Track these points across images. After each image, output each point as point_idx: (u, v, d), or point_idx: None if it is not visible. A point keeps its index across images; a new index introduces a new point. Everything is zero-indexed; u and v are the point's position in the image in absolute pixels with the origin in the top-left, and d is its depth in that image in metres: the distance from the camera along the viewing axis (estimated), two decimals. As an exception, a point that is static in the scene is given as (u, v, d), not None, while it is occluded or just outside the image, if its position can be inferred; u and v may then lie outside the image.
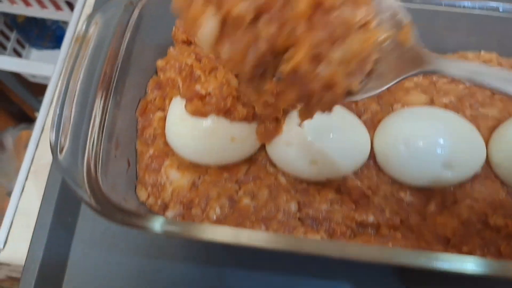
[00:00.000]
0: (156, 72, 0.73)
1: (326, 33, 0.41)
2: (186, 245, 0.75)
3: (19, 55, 1.75)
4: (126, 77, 0.67)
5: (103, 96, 0.62)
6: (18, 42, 1.75)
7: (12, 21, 1.70)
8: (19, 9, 1.52)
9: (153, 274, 0.74)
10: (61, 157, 0.58)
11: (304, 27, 0.40)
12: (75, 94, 0.61)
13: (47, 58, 1.75)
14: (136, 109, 0.72)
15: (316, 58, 0.41)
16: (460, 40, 0.75)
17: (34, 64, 1.58)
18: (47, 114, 0.85)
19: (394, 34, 0.47)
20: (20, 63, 1.57)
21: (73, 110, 0.60)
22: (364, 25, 0.43)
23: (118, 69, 0.64)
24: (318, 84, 0.43)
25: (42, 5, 1.48)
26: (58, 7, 1.47)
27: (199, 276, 0.73)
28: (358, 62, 0.44)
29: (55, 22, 1.73)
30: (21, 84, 1.73)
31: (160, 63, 0.68)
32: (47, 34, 1.77)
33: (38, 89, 1.65)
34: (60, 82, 0.61)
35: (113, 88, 0.63)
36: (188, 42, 0.70)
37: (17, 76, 1.70)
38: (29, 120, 1.78)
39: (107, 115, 0.62)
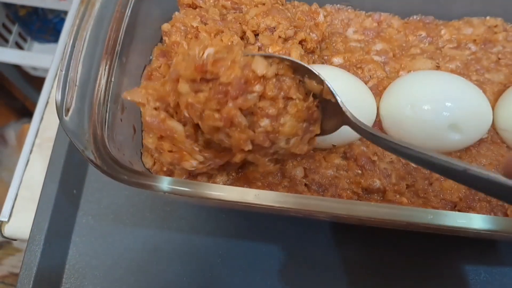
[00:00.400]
0: (161, 40, 0.73)
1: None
2: (190, 217, 0.75)
3: (21, 48, 1.75)
4: (131, 42, 0.67)
5: (109, 58, 0.62)
6: (20, 35, 1.75)
7: (14, 14, 1.70)
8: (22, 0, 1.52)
9: (158, 246, 0.73)
10: (67, 118, 0.58)
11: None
12: (81, 55, 0.61)
13: (48, 51, 1.74)
14: (141, 75, 0.71)
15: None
16: (465, 6, 0.76)
17: (35, 56, 1.59)
18: (52, 87, 0.85)
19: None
20: (21, 55, 1.57)
21: (79, 71, 0.60)
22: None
23: (124, 31, 0.64)
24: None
25: (43, -6, 1.49)
26: (60, -3, 1.47)
27: (203, 246, 0.73)
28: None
29: (57, 15, 1.73)
30: (23, 79, 1.73)
31: (165, 26, 0.67)
32: (48, 27, 1.76)
33: (40, 83, 1.65)
34: (66, 42, 0.61)
35: (119, 50, 0.63)
36: (194, 6, 0.70)
37: (19, 70, 1.70)
38: (31, 115, 1.77)
39: (112, 77, 0.62)
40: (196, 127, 0.58)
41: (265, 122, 0.55)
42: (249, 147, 0.55)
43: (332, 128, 0.59)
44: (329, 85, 0.55)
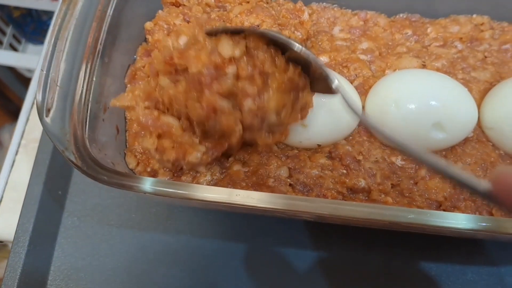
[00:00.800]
0: (145, 39, 0.73)
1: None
2: (176, 217, 0.74)
3: (15, 50, 1.75)
4: (115, 42, 0.66)
5: (91, 58, 0.62)
6: (14, 37, 1.74)
7: (7, 16, 1.69)
8: (15, 1, 1.51)
9: (145, 247, 0.73)
10: (48, 118, 0.58)
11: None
12: (62, 55, 0.60)
13: (43, 52, 1.74)
14: (125, 75, 0.71)
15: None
16: (452, 4, 0.75)
17: (29, 57, 1.58)
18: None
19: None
20: (16, 57, 1.57)
21: (61, 71, 0.60)
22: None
23: (106, 31, 0.64)
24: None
25: (37, -4, 1.48)
26: (53, -3, 1.47)
27: (190, 247, 0.73)
28: None
29: (51, 17, 1.73)
30: (17, 81, 1.73)
31: (148, 25, 0.67)
32: (42, 29, 1.76)
33: (34, 85, 1.65)
34: (47, 41, 0.60)
35: (101, 50, 0.63)
36: (177, 4, 0.69)
37: (13, 72, 1.70)
38: (26, 116, 1.77)
39: (94, 77, 0.62)
40: (191, 118, 0.57)
41: (248, 102, 0.55)
42: (240, 128, 0.55)
43: (323, 91, 0.59)
44: (305, 54, 0.55)
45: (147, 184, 0.54)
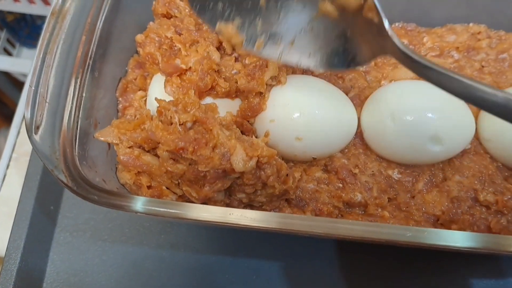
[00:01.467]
0: (137, 51, 0.72)
1: None
2: (169, 232, 0.73)
3: (9, 54, 1.73)
4: (105, 54, 0.65)
5: (81, 72, 0.60)
6: (9, 41, 1.73)
7: (1, 20, 1.68)
8: (7, 6, 1.49)
9: (138, 262, 0.72)
10: (36, 136, 0.57)
11: None
12: (51, 69, 0.59)
13: (37, 57, 1.73)
14: (117, 88, 0.70)
15: None
16: (448, 12, 0.74)
17: (24, 62, 1.57)
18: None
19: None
20: (10, 62, 1.56)
21: (50, 86, 0.58)
22: None
23: (96, 44, 0.62)
24: None
25: (30, 0, 1.46)
26: (46, 2, 1.45)
27: (183, 262, 0.72)
28: None
29: (45, 20, 1.71)
30: (12, 85, 1.71)
31: (139, 37, 0.66)
32: (37, 33, 1.75)
33: (29, 89, 1.63)
34: (36, 55, 0.59)
35: (91, 64, 0.62)
36: (169, 16, 0.68)
37: (8, 77, 1.68)
38: (21, 121, 1.76)
39: (84, 92, 0.60)
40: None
41: (241, 195, 0.59)
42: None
43: (366, 58, 0.52)
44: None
45: (139, 203, 0.53)
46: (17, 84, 1.70)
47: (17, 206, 0.72)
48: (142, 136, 0.58)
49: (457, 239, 0.50)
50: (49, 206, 0.74)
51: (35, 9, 1.49)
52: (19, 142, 0.81)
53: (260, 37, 0.54)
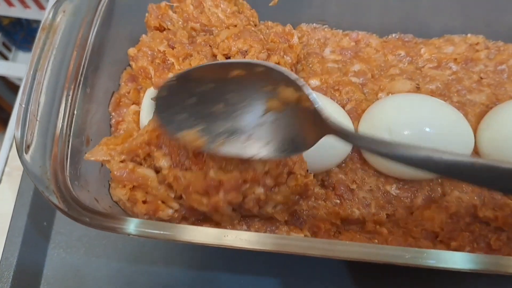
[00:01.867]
0: (130, 64, 0.70)
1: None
2: (164, 249, 0.72)
3: (5, 58, 1.73)
4: (97, 69, 0.64)
5: (72, 88, 0.59)
6: (4, 45, 1.72)
7: (-4, 24, 1.68)
8: (2, 10, 1.49)
9: (132, 278, 0.71)
10: (27, 156, 0.55)
11: None
12: (42, 86, 0.58)
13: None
14: (109, 103, 0.69)
15: None
16: (445, 23, 0.73)
17: (20, 66, 1.56)
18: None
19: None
20: (6, 66, 1.55)
21: (41, 104, 0.57)
22: None
23: (87, 59, 0.61)
24: None
25: (25, 5, 1.46)
26: (41, 7, 1.44)
27: (178, 279, 0.71)
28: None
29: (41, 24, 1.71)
30: (9, 89, 1.71)
31: (131, 51, 0.64)
32: (33, 36, 1.74)
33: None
34: (26, 72, 0.58)
35: (82, 80, 0.60)
36: (162, 29, 0.67)
37: (4, 80, 1.68)
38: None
39: (75, 109, 0.59)
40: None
41: (259, 190, 0.56)
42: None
43: (311, 141, 0.53)
44: (307, 91, 0.51)
45: (131, 226, 0.52)
46: (13, 87, 1.69)
47: (10, 222, 0.71)
48: (137, 143, 0.57)
49: (457, 260, 0.49)
50: (42, 222, 0.73)
51: (30, 14, 1.49)
52: (11, 156, 0.80)
53: (221, 136, 0.54)
